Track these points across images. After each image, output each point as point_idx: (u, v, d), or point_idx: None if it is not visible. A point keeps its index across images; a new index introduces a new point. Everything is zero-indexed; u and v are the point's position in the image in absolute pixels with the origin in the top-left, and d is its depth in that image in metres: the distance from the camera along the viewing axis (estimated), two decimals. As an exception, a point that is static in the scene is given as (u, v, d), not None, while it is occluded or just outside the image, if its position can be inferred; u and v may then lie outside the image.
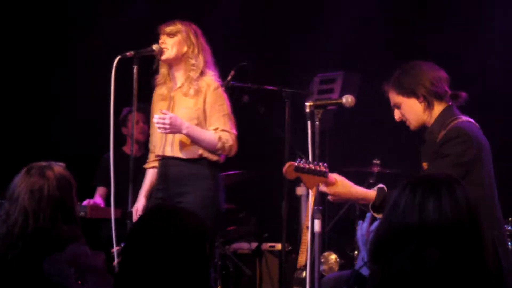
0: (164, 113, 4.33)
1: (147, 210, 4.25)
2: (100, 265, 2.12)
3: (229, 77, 5.19)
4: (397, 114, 3.81)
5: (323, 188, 3.58)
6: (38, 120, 6.98)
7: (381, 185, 3.66)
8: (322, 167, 3.52)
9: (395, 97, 3.77)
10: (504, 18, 6.28)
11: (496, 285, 2.09)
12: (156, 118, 4.37)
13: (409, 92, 3.70)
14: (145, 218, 2.27)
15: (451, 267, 2.06)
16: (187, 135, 4.38)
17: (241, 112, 5.25)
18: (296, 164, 3.48)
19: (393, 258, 2.08)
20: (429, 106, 3.69)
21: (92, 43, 6.80)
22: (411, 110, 3.73)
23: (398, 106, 3.78)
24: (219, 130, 4.46)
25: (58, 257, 2.11)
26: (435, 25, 6.55)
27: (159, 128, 4.35)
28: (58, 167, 3.20)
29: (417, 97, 3.69)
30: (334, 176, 3.58)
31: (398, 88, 3.74)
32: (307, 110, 3.71)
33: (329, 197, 3.65)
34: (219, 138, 4.42)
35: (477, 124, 3.69)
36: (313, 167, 3.50)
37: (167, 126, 4.30)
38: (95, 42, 6.77)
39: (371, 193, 3.63)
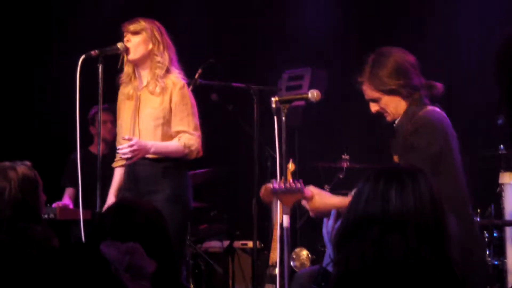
0: (129, 139, 4.30)
1: (107, 208, 4.21)
2: (148, 271, 2.12)
3: (197, 75, 5.18)
4: (374, 107, 3.69)
5: (304, 203, 3.58)
6: (4, 120, 6.92)
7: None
8: (298, 183, 3.52)
9: (372, 93, 3.65)
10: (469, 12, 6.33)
11: (458, 275, 2.11)
12: (122, 148, 4.32)
13: (391, 91, 3.59)
14: (104, 216, 2.27)
15: (413, 255, 2.07)
16: (154, 153, 4.37)
17: (210, 110, 5.25)
18: (272, 187, 3.49)
19: (356, 246, 2.10)
20: (411, 100, 3.60)
21: (60, 42, 6.76)
22: (392, 105, 3.63)
23: (376, 100, 3.67)
24: (182, 133, 4.44)
25: (118, 244, 2.10)
26: (402, 18, 6.59)
27: (127, 158, 4.34)
28: (23, 167, 3.17)
29: (400, 95, 3.59)
30: (310, 190, 3.56)
31: (377, 85, 3.62)
32: (273, 105, 3.71)
33: (310, 214, 3.64)
34: (184, 145, 4.42)
35: (443, 113, 3.62)
36: (288, 186, 3.51)
37: (137, 153, 4.29)
38: (61, 41, 6.73)
39: (348, 199, 3.60)
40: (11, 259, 2.79)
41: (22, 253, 2.85)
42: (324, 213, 3.64)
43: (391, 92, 3.61)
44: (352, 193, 3.56)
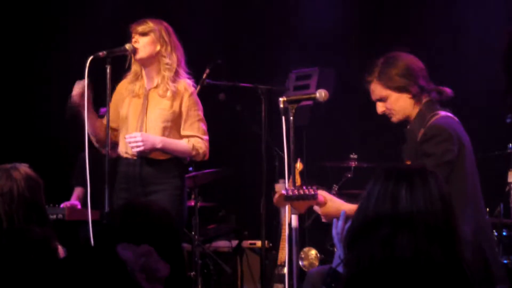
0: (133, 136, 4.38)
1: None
2: (162, 275, 2.13)
3: (204, 75, 5.19)
4: (380, 107, 3.70)
5: (316, 209, 3.57)
6: (13, 120, 6.94)
7: None
8: (311, 190, 3.50)
9: (381, 91, 3.66)
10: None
11: (469, 275, 2.11)
12: (127, 138, 4.40)
13: (400, 88, 3.61)
14: (115, 217, 2.28)
15: (423, 255, 2.07)
16: (162, 148, 4.40)
17: (217, 110, 5.26)
18: (285, 194, 3.48)
19: (366, 246, 2.10)
20: (418, 101, 3.62)
21: (67, 41, 6.77)
22: (399, 104, 3.64)
23: (384, 99, 3.67)
24: (191, 137, 4.48)
25: (133, 247, 2.12)
26: (409, 20, 6.58)
27: (132, 148, 4.37)
28: (24, 167, 3.19)
29: (409, 93, 3.61)
30: (323, 195, 3.56)
31: (386, 82, 3.63)
32: (281, 105, 3.71)
33: (322, 219, 3.64)
34: (193, 147, 4.48)
35: (456, 118, 3.63)
36: (302, 193, 3.50)
37: (140, 144, 4.33)
38: (70, 41, 6.75)
39: None
40: (8, 262, 2.80)
41: (19, 256, 2.86)
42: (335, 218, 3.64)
43: (400, 89, 3.62)
44: None
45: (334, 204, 3.54)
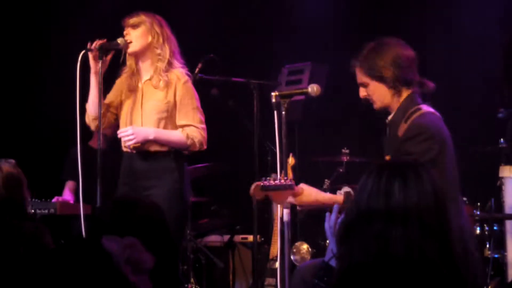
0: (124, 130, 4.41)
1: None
2: (147, 266, 2.13)
3: (197, 70, 5.18)
4: (362, 92, 3.72)
5: (290, 199, 3.58)
6: (4, 114, 6.92)
7: (347, 189, 3.65)
8: (288, 180, 3.52)
9: (362, 77, 3.68)
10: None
11: (461, 270, 2.11)
12: (119, 133, 4.43)
13: (378, 77, 3.62)
14: (104, 211, 2.29)
15: (416, 249, 2.07)
16: (155, 139, 4.39)
17: (210, 105, 5.24)
18: (262, 184, 3.49)
19: (359, 241, 2.10)
20: (397, 92, 3.62)
21: (59, 37, 6.75)
22: (378, 92, 3.65)
23: (365, 85, 3.69)
24: (187, 126, 4.45)
25: (118, 239, 2.12)
26: (405, 14, 6.58)
27: (125, 142, 4.38)
28: (7, 165, 3.21)
29: (386, 83, 3.62)
30: (300, 186, 3.58)
31: (366, 69, 3.65)
32: (273, 100, 3.71)
33: (298, 207, 3.66)
34: (187, 136, 4.44)
35: (438, 114, 3.62)
36: (279, 183, 3.51)
37: (132, 137, 4.34)
38: (62, 35, 6.73)
39: (338, 197, 3.62)
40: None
41: (9, 250, 2.86)
42: (312, 208, 3.68)
43: (379, 79, 3.63)
44: (342, 191, 3.62)
45: (310, 193, 3.57)
